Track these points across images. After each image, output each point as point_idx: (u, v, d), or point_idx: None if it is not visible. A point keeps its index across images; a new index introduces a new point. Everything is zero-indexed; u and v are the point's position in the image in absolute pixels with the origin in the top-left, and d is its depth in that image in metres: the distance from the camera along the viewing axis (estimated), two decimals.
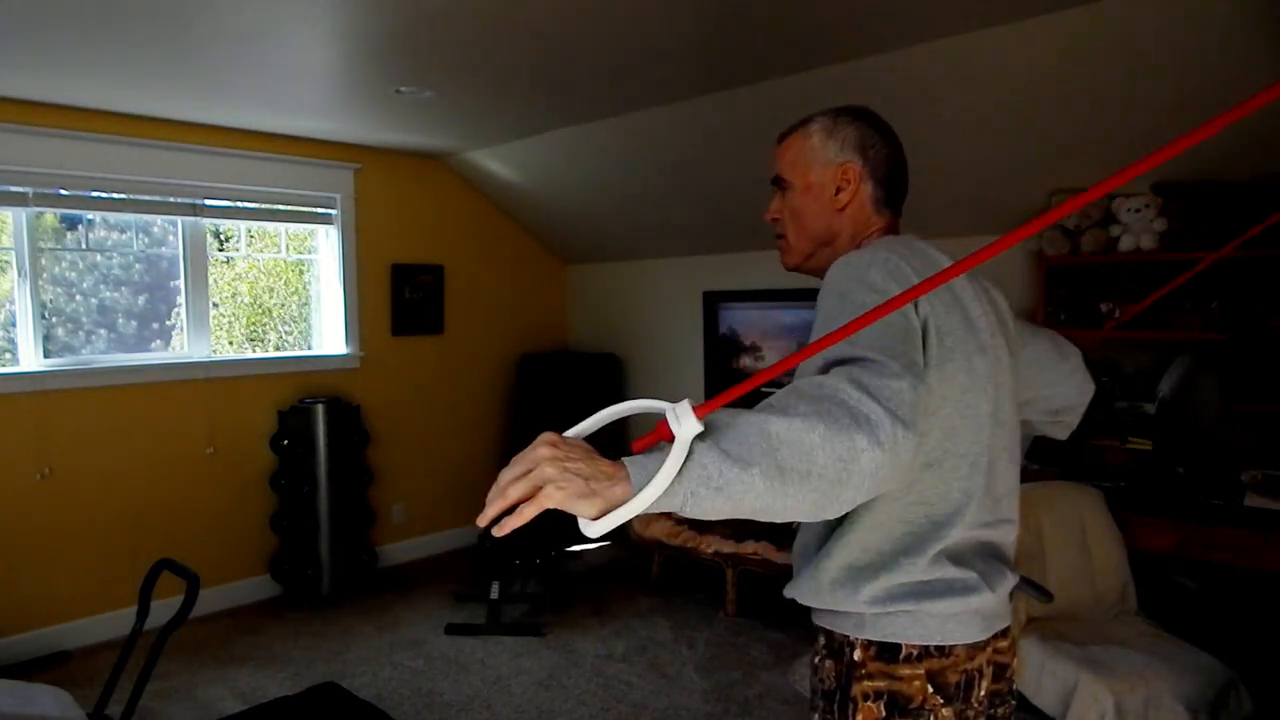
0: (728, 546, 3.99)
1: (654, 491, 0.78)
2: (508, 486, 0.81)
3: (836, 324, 0.97)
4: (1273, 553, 2.62)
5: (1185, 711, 2.24)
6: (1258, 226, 1.70)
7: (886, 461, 0.84)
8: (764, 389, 0.92)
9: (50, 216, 3.70)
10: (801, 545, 1.23)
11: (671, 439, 0.80)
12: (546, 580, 4.42)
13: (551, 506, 0.80)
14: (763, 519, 0.84)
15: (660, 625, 3.85)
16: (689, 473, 0.79)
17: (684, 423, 0.79)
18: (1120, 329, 3.18)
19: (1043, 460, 3.31)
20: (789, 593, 1.21)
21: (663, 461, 0.79)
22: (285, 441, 4.13)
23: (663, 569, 4.41)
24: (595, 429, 0.90)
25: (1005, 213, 3.48)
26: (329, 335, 4.64)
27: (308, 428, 4.13)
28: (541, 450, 0.81)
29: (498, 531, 0.83)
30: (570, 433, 0.88)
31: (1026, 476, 3.22)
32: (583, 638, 3.72)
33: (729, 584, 3.94)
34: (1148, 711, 2.27)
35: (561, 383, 5.13)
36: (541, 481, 0.80)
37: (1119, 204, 3.12)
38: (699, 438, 0.81)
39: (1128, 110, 2.78)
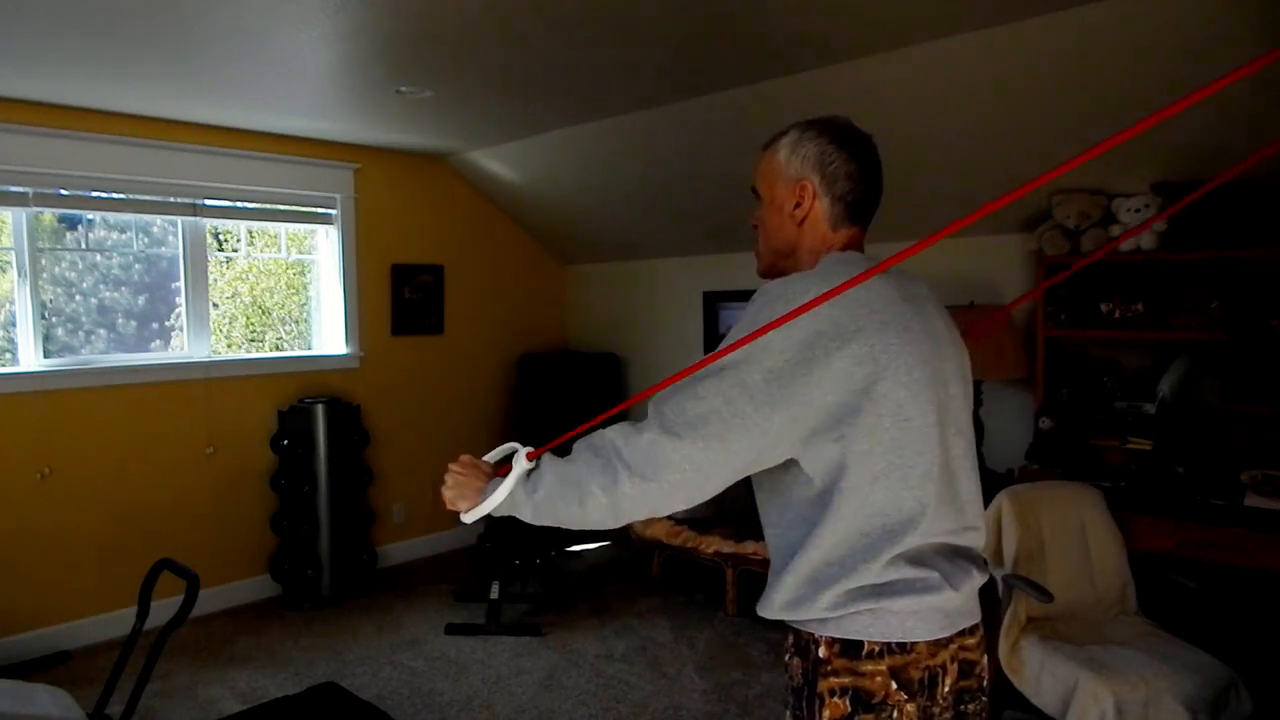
0: (728, 546, 3.99)
1: (490, 504, 1.25)
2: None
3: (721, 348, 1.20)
4: (1273, 553, 2.62)
5: (1185, 711, 2.24)
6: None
7: (623, 497, 1.14)
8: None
9: (50, 216, 3.71)
10: (771, 564, 1.26)
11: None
12: (546, 580, 4.42)
13: (445, 500, 1.32)
14: (568, 527, 1.22)
15: (660, 625, 3.85)
16: (513, 493, 1.24)
17: (518, 463, 1.25)
18: (1119, 329, 3.18)
19: (1043, 460, 3.31)
20: (759, 610, 1.24)
21: (499, 485, 1.26)
22: (285, 441, 4.13)
23: (663, 569, 4.41)
24: (499, 457, 1.34)
25: (1005, 213, 3.48)
26: (329, 335, 4.64)
27: (308, 428, 4.13)
28: (450, 465, 1.33)
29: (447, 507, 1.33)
30: (486, 456, 1.34)
31: (1027, 476, 3.22)
32: (583, 638, 3.72)
33: (729, 584, 3.95)
34: (1148, 711, 2.27)
35: (561, 383, 5.13)
36: (442, 484, 1.32)
37: (1119, 204, 3.12)
38: (527, 471, 1.26)
39: (1126, 110, 2.78)
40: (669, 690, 3.22)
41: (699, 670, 3.38)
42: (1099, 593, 2.79)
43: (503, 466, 1.29)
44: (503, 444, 1.34)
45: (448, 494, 1.30)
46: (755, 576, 3.97)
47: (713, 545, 4.04)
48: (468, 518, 1.29)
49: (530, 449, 1.27)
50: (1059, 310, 3.34)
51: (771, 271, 1.36)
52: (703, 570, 4.40)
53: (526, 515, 1.24)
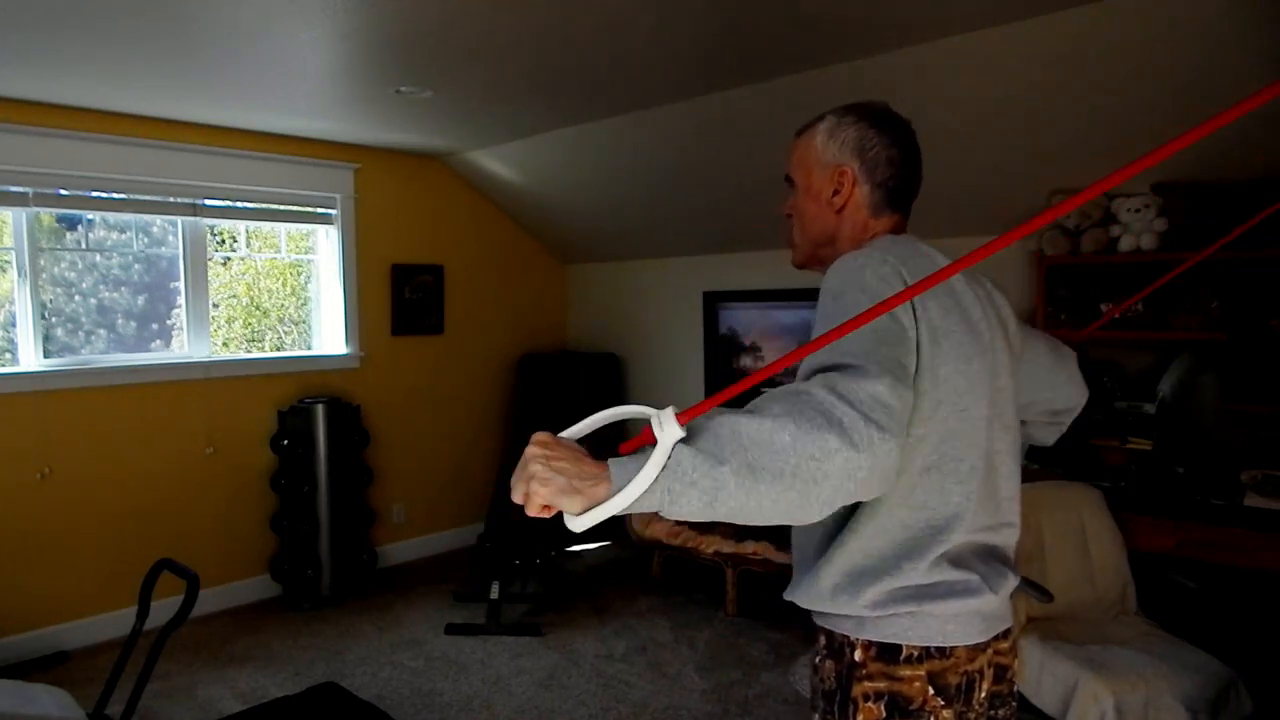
0: (728, 546, 3.99)
1: (635, 490, 0.83)
2: (513, 485, 0.88)
3: (831, 326, 1.00)
4: (1273, 553, 2.62)
5: (1185, 711, 2.24)
6: (1248, 223, 1.68)
7: (863, 463, 0.86)
8: (757, 388, 0.95)
9: (50, 216, 3.70)
10: (800, 550, 1.23)
11: (654, 443, 0.85)
12: (546, 580, 4.42)
13: (541, 502, 0.86)
14: (742, 521, 0.87)
15: (660, 625, 3.85)
16: (666, 472, 0.84)
17: (666, 428, 0.84)
18: (1119, 329, 3.18)
19: (1043, 460, 3.31)
20: (789, 596, 1.21)
21: (643, 463, 0.84)
22: (285, 441, 4.13)
23: (663, 569, 4.41)
24: (588, 431, 0.95)
25: (1005, 213, 3.48)
26: (329, 335, 4.64)
27: (308, 428, 4.13)
28: (530, 449, 0.88)
29: (530, 512, 0.89)
30: (564, 434, 0.93)
31: (1027, 476, 3.21)
32: (583, 638, 3.72)
33: (729, 584, 3.94)
34: (1148, 711, 2.27)
35: (561, 383, 5.13)
36: (530, 477, 0.86)
37: (1119, 204, 3.12)
38: (679, 442, 0.85)
39: (1127, 110, 2.78)
40: (669, 690, 3.22)
41: (699, 670, 3.38)
42: (1099, 593, 2.79)
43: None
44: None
45: (542, 491, 0.85)
46: (755, 576, 3.97)
47: (713, 545, 4.04)
48: (582, 523, 0.85)
49: (673, 409, 0.86)
50: (1059, 310, 3.34)
51: (810, 261, 1.32)
52: (703, 570, 4.40)
53: (690, 505, 0.84)
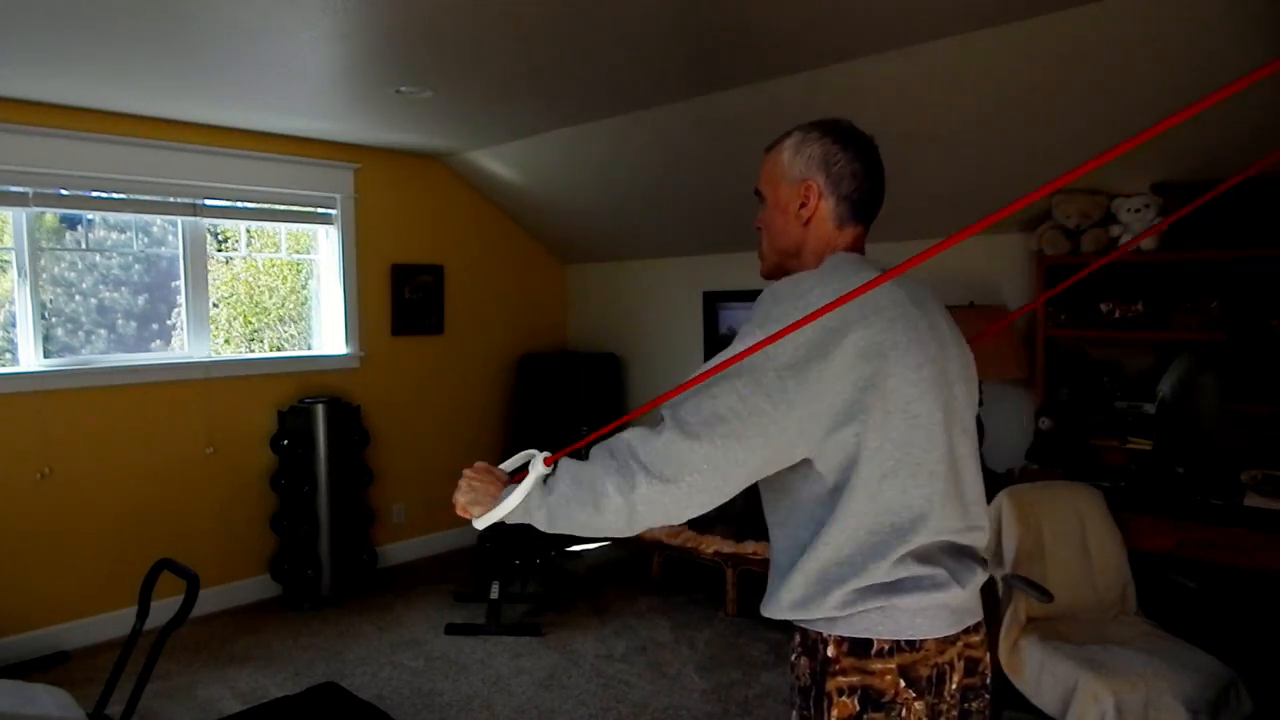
0: (728, 546, 3.99)
1: (504, 509, 1.23)
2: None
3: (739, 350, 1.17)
4: (1273, 553, 2.62)
5: (1185, 711, 2.24)
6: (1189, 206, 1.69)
7: (636, 499, 1.12)
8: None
9: (50, 216, 3.70)
10: (775, 562, 1.26)
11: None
12: (546, 580, 4.42)
13: (460, 508, 1.30)
14: (582, 534, 1.20)
15: (660, 625, 3.85)
16: (526, 498, 1.23)
17: (534, 468, 1.23)
18: (1118, 329, 3.18)
19: (1043, 460, 3.31)
20: (765, 611, 1.25)
21: (514, 490, 1.24)
22: (285, 441, 4.13)
23: (663, 569, 4.41)
24: (515, 466, 1.33)
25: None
26: (329, 335, 4.64)
27: (308, 428, 4.13)
28: (465, 470, 1.32)
29: (458, 513, 1.32)
30: (502, 465, 1.34)
31: (1027, 476, 3.22)
32: (583, 638, 3.72)
33: (729, 584, 3.95)
34: (1148, 711, 2.27)
35: (561, 383, 5.13)
36: (456, 489, 1.30)
37: (1119, 204, 3.12)
38: (541, 477, 1.24)
39: (1126, 111, 2.78)
40: (669, 690, 3.22)
41: (699, 670, 3.38)
42: (1099, 593, 2.79)
43: (519, 474, 1.29)
44: (518, 450, 1.36)
45: (461, 499, 1.29)
46: (755, 576, 3.97)
47: (713, 545, 4.04)
48: (480, 523, 1.27)
49: (548, 454, 1.25)
50: (1059, 310, 3.35)
51: (776, 272, 1.36)
52: (703, 570, 4.40)
53: (540, 521, 1.22)
